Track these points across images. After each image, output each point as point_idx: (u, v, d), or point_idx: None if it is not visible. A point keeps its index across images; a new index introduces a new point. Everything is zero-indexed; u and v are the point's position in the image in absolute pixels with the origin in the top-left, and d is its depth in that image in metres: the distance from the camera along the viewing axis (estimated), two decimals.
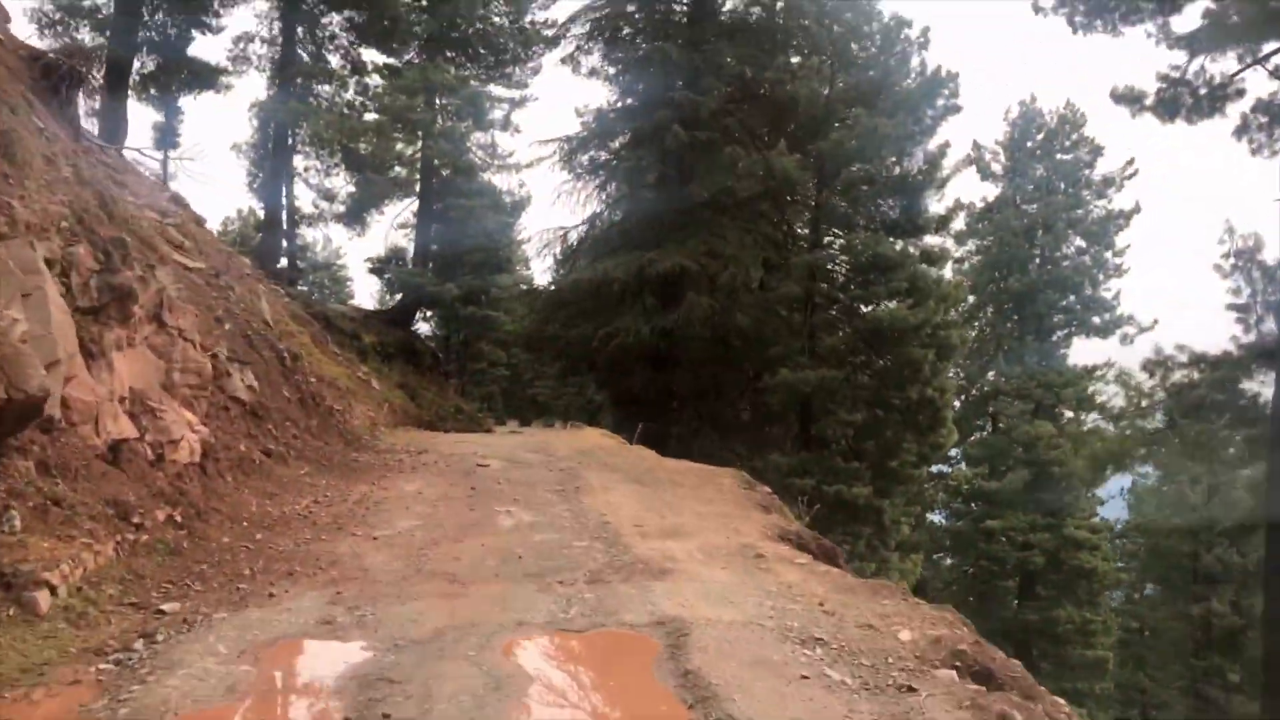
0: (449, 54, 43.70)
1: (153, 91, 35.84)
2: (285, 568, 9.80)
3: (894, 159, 29.91)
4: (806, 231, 32.41)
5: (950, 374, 31.48)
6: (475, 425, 40.93)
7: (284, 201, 47.41)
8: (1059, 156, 46.00)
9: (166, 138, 50.64)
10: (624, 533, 11.73)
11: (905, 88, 29.56)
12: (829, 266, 31.63)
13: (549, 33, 43.65)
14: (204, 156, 55.31)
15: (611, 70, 34.59)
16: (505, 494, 14.24)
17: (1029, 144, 46.46)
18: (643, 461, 18.74)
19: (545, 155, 35.44)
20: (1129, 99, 22.55)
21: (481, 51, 45.47)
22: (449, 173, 45.65)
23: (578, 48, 34.85)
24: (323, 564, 9.99)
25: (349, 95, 37.00)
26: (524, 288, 34.95)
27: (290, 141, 36.50)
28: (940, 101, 30.36)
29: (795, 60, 31.15)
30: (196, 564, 9.60)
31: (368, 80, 36.70)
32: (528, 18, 45.36)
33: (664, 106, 30.50)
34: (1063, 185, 45.92)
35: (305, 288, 62.06)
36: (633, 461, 18.59)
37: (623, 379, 32.52)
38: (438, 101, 41.49)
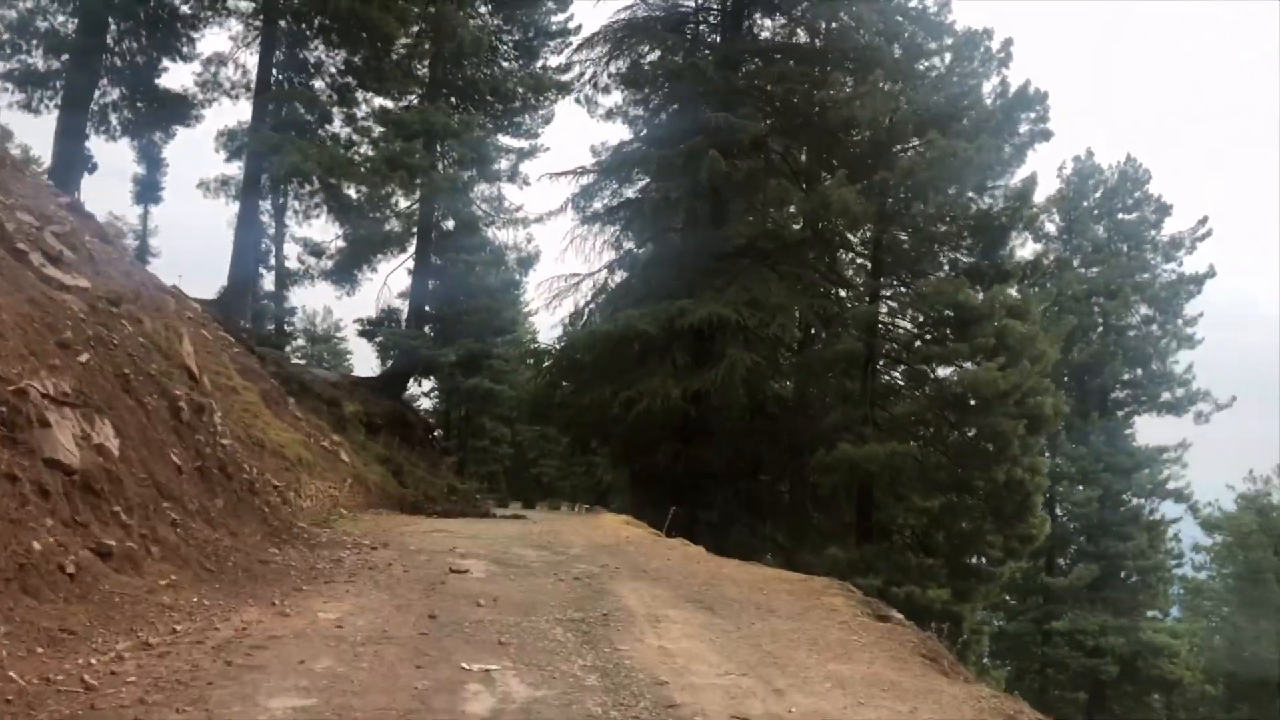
0: (453, 100, 38.47)
1: (114, 123, 30.44)
2: None
3: (973, 192, 24.20)
4: (863, 279, 26.52)
5: (1043, 452, 25.24)
6: (470, 508, 34.53)
7: (259, 248, 42.01)
8: (1120, 216, 40.47)
9: (147, 191, 45.67)
10: None
11: (986, 108, 24.00)
12: (893, 320, 25.70)
13: (564, 76, 38.67)
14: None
15: (633, 102, 29.24)
16: (485, 631, 8.03)
17: (1085, 202, 40.96)
18: (693, 564, 12.53)
19: (556, 202, 29.76)
20: None
21: (489, 98, 40.37)
22: (450, 225, 40.25)
23: (593, 80, 29.49)
24: None
25: (335, 128, 31.39)
26: (532, 347, 28.74)
27: (266, 179, 31.00)
28: (1025, 127, 24.80)
29: (848, 82, 25.62)
30: None
31: (356, 112, 31.11)
32: (539, 63, 40.54)
33: (698, 131, 24.97)
34: (1125, 247, 40.29)
35: (301, 359, 56.43)
36: (679, 564, 12.39)
37: (644, 454, 26.38)
38: (438, 147, 36.27)
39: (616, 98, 31.15)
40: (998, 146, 23.80)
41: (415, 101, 36.53)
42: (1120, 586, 38.28)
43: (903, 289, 25.72)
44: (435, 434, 43.76)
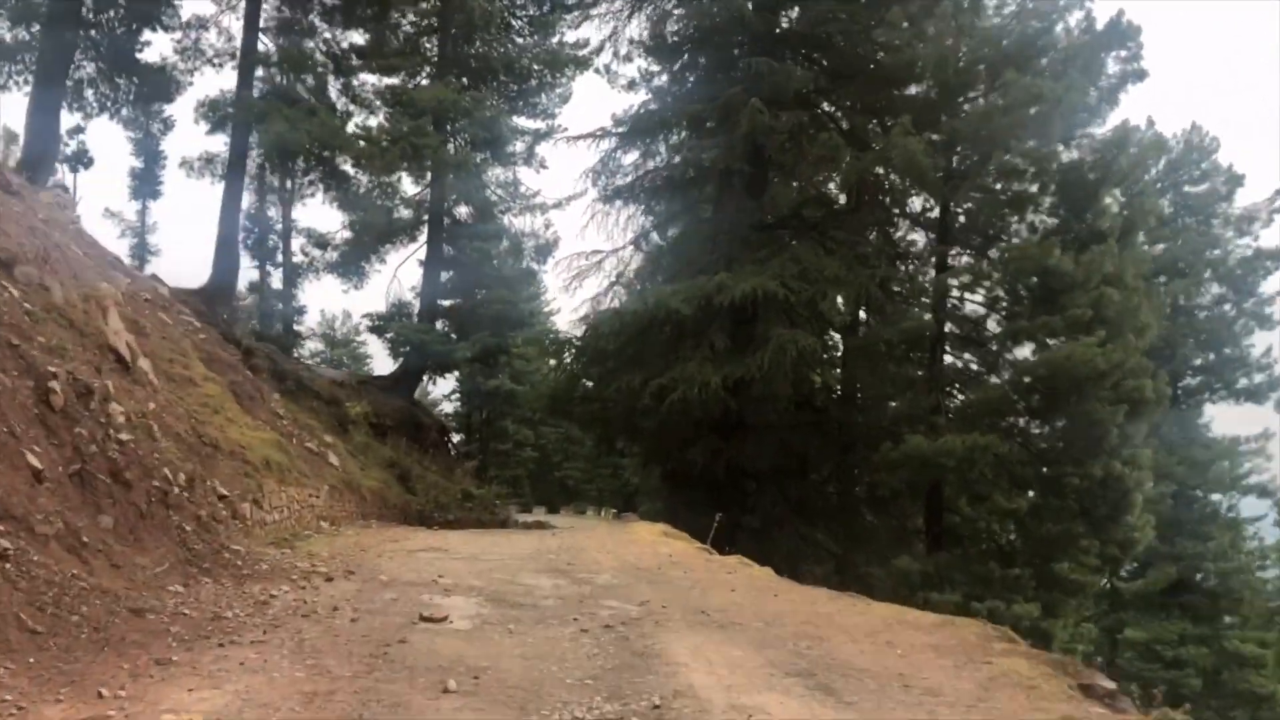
0: (464, 81, 34.80)
1: (90, 99, 26.94)
2: None
3: (1058, 142, 20.22)
4: (925, 248, 22.57)
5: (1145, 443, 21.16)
6: (487, 515, 30.74)
7: (264, 236, 38.62)
8: (1187, 189, 36.20)
9: (145, 185, 42.38)
10: None
11: (1074, 41, 20.00)
12: (961, 294, 21.74)
13: (582, 51, 34.97)
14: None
15: (660, 66, 25.29)
16: None
17: (1147, 175, 36.69)
18: (770, 598, 8.69)
19: (576, 185, 26.05)
20: None
21: (502, 77, 36.74)
22: (462, 212, 36.63)
23: (613, 40, 25.75)
24: None
25: (332, 101, 27.72)
26: (551, 335, 24.93)
27: (257, 157, 27.41)
28: (1115, 67, 20.84)
29: (906, 24, 21.69)
30: None
31: (354, 82, 27.44)
32: (555, 38, 36.85)
33: (738, 80, 21.16)
34: (1193, 221, 36.03)
35: (320, 361, 52.90)
36: (750, 599, 8.55)
37: (678, 452, 22.54)
38: (449, 127, 32.66)
39: (640, 65, 27.24)
40: (1085, 87, 19.81)
41: (424, 81, 32.96)
42: (1199, 591, 34.02)
43: (972, 257, 21.70)
44: (450, 436, 40.11)
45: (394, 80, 32.82)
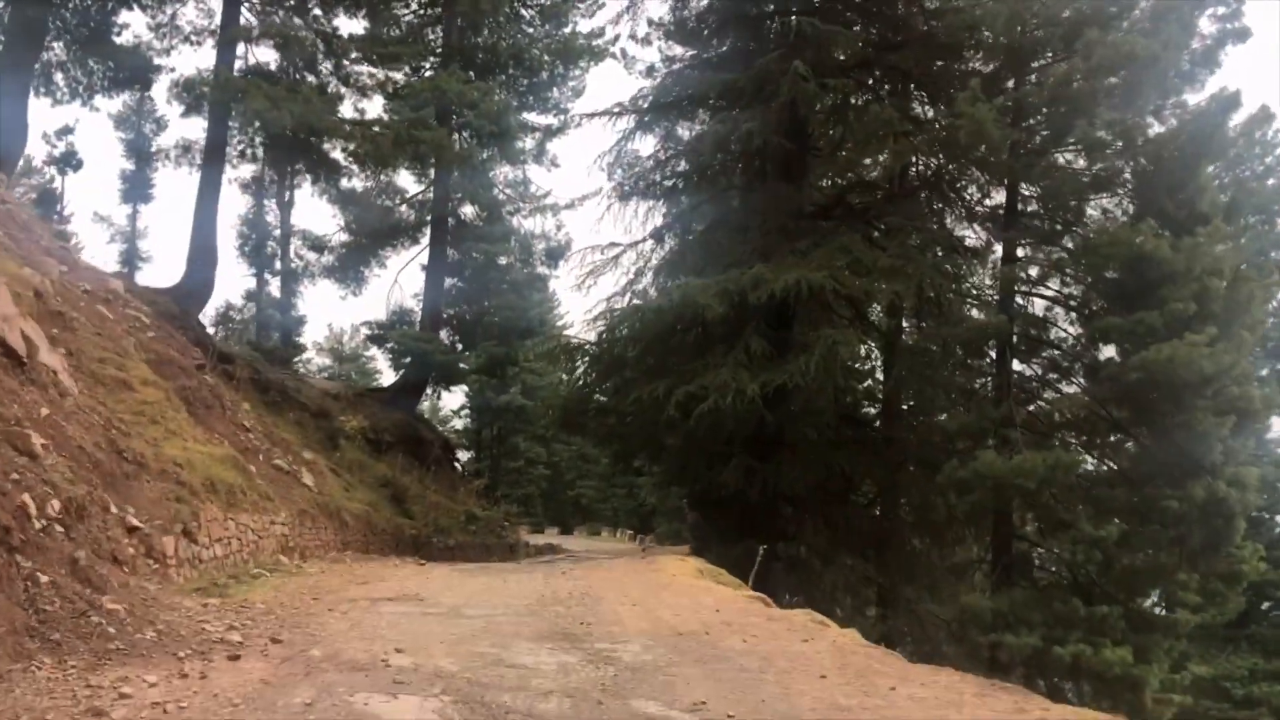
0: (470, 74, 32.04)
1: (60, 84, 24.30)
2: None
3: (1152, 109, 17.26)
4: (985, 234, 19.56)
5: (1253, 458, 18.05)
6: (493, 538, 27.82)
7: (238, 236, 35.95)
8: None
9: (136, 189, 39.81)
10: None
11: None
12: (1030, 287, 18.72)
13: (598, 41, 32.30)
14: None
15: (685, 42, 22.35)
16: None
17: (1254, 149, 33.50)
18: (880, 691, 5.64)
19: (590, 184, 23.07)
20: None
21: (511, 70, 34.08)
22: (468, 213, 33.84)
23: (630, 15, 22.79)
24: None
25: (322, 83, 24.94)
26: (562, 341, 21.95)
27: (247, 151, 24.66)
28: (1211, 27, 17.90)
29: None
30: None
31: (346, 63, 24.69)
32: (568, 27, 34.16)
33: (777, 45, 18.33)
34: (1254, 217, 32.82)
35: (326, 375, 49.97)
36: (857, 695, 5.49)
37: (707, 472, 19.53)
38: (454, 119, 29.96)
39: (660, 49, 24.27)
40: (1183, 45, 16.86)
41: (428, 73, 30.30)
42: (1269, 622, 30.72)
43: (1039, 247, 18.66)
44: (455, 452, 37.19)
45: (396, 74, 30.22)
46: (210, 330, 25.90)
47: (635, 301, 19.74)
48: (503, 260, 32.67)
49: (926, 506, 21.13)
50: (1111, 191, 17.33)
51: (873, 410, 24.18)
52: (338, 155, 24.63)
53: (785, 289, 16.57)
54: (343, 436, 25.23)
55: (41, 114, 43.65)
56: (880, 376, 23.89)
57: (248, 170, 24.59)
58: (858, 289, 16.95)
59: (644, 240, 20.86)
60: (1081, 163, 17.73)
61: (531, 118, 34.19)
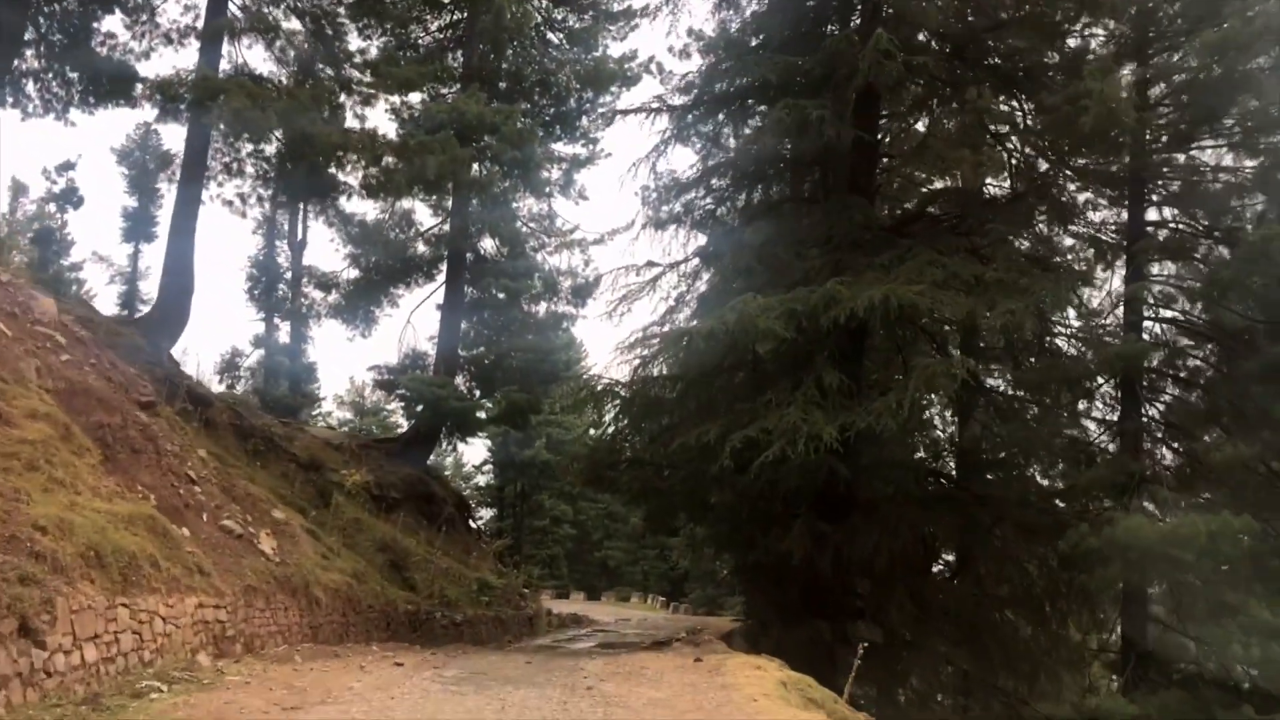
0: (494, 103, 29.01)
1: (32, 94, 21.43)
2: None
3: None
4: (1103, 249, 15.83)
5: None
6: (510, 610, 24.01)
7: (247, 278, 32.67)
8: None
9: (138, 226, 37.11)
10: None
11: None
12: (1162, 304, 14.98)
13: (630, 63, 29.41)
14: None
15: (723, 50, 19.00)
16: None
17: None
18: None
19: (621, 216, 19.75)
20: None
21: (537, 97, 31.16)
22: (488, 247, 30.60)
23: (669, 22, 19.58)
24: None
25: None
26: (591, 382, 18.22)
27: (217, 154, 21.47)
28: None
29: None
30: None
31: (348, 69, 21.64)
32: (597, 51, 31.27)
33: (846, 19, 15.01)
34: None
35: (346, 429, 46.41)
36: None
37: (764, 536, 15.72)
38: (474, 145, 26.92)
39: (699, 63, 20.99)
40: None
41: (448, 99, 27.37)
42: None
43: (1176, 262, 14.98)
44: (471, 510, 33.49)
45: (413, 96, 27.38)
46: (191, 369, 22.60)
47: (682, 328, 16.07)
48: (525, 299, 29.35)
49: (1026, 580, 17.26)
50: (1266, 194, 13.64)
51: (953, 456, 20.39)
52: (349, 181, 21.33)
53: (868, 308, 12.94)
54: (340, 492, 21.73)
55: (11, 127, 41.17)
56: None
57: (233, 189, 21.38)
58: (960, 309, 13.26)
59: (687, 260, 17.36)
60: (1228, 159, 14.08)
61: (558, 148, 31.27)
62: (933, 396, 17.27)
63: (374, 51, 26.68)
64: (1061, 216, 15.65)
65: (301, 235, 37.59)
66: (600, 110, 31.18)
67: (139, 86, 18.93)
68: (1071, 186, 16.00)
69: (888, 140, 16.71)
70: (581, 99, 31.10)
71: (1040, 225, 16.27)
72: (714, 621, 29.12)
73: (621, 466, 18.01)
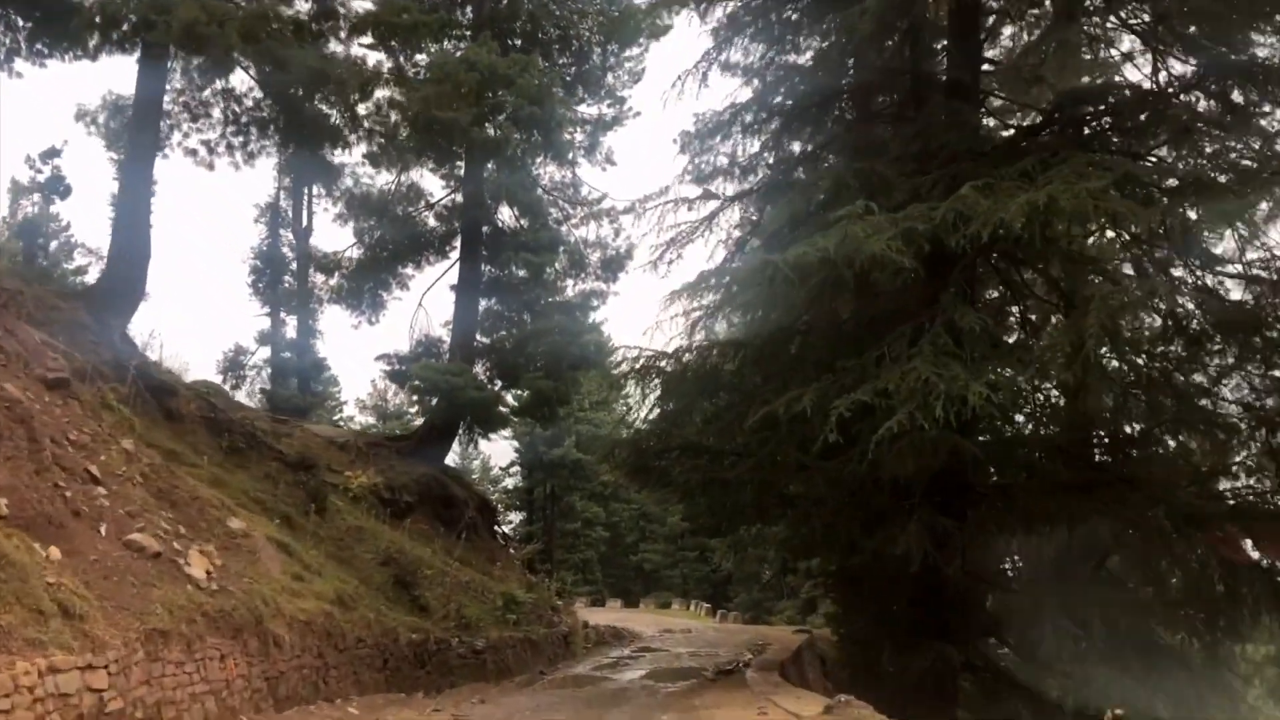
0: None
1: None
2: None
3: None
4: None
5: None
6: (543, 628, 20.32)
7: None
8: None
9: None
10: None
11: None
12: None
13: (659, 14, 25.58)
14: None
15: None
16: None
17: None
18: None
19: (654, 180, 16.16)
20: None
21: (556, 53, 27.42)
22: (506, 218, 26.93)
23: None
24: None
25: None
26: (634, 355, 14.22)
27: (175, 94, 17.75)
28: None
29: None
30: None
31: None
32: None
33: None
34: None
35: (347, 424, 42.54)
36: None
37: (867, 535, 11.82)
38: (489, 96, 23.29)
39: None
40: None
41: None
42: None
43: None
44: (497, 514, 29.70)
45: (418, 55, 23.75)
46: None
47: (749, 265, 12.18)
48: (549, 276, 25.62)
49: (1196, 581, 13.30)
50: None
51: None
52: (341, 128, 17.57)
53: (1029, 212, 9.05)
54: (338, 495, 18.17)
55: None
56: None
57: (199, 140, 17.70)
58: (1149, 217, 9.34)
59: (749, 189, 13.45)
60: None
61: (581, 110, 27.55)
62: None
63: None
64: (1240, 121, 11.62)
65: (307, 222, 34.12)
66: (627, 63, 27.61)
67: (77, 19, 15.26)
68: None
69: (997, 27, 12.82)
70: (606, 53, 27.42)
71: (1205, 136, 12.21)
72: (771, 632, 25.19)
73: (672, 455, 14.20)
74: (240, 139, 18.02)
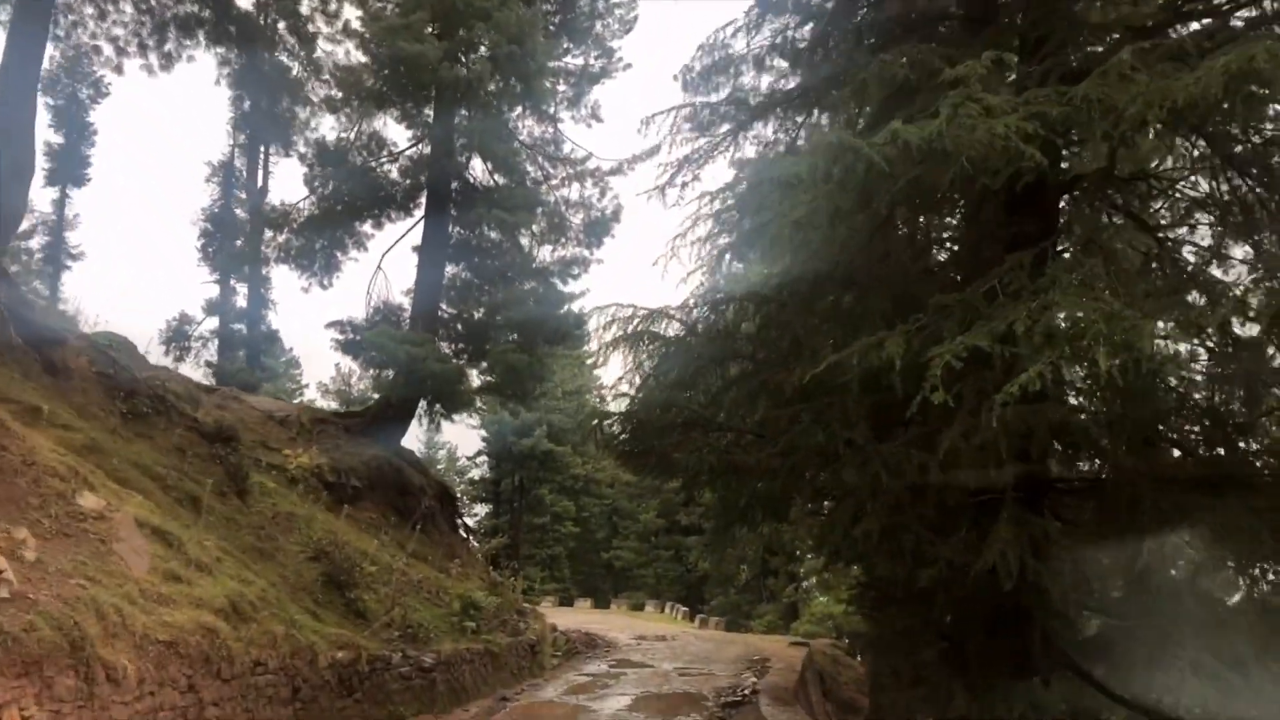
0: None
1: None
2: None
3: None
4: None
5: None
6: (507, 637, 17.20)
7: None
8: None
9: (66, 169, 30.16)
10: None
11: None
12: None
13: None
14: None
15: None
16: None
17: None
18: None
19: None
20: None
21: None
22: (478, 173, 23.78)
23: None
24: None
25: None
26: (626, 313, 11.15)
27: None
28: None
29: None
30: None
31: None
32: None
33: None
34: None
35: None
36: None
37: (944, 537, 8.84)
38: (459, 34, 20.29)
39: None
40: None
41: None
42: None
43: None
44: (458, 504, 26.47)
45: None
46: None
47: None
48: (526, 238, 22.50)
49: None
50: None
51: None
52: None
53: (1230, 79, 6.15)
54: (270, 475, 15.10)
55: None
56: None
57: (105, 38, 14.35)
58: None
59: (789, 99, 10.40)
60: None
61: (566, 62, 24.51)
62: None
63: None
64: None
65: (263, 181, 30.87)
66: (617, 9, 24.58)
67: None
68: None
69: None
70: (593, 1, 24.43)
71: None
72: (764, 644, 22.24)
73: (677, 430, 11.17)
74: (156, 38, 14.71)
